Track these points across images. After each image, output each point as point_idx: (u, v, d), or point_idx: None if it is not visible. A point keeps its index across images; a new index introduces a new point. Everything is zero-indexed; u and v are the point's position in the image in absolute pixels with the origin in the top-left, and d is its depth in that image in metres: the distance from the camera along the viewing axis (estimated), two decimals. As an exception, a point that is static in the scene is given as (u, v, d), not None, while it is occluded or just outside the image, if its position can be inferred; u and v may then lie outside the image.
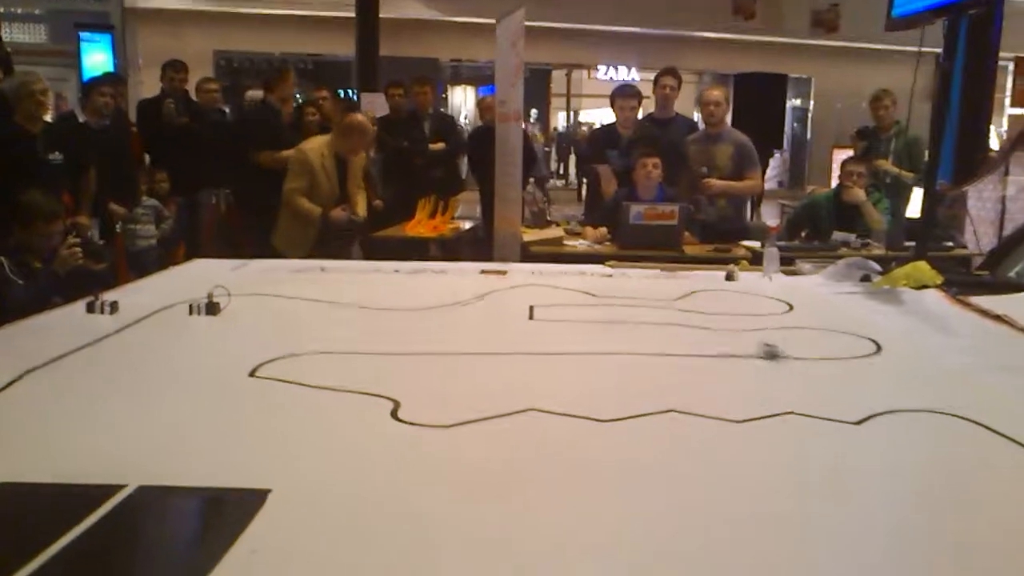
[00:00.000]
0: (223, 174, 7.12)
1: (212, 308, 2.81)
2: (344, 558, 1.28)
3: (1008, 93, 15.26)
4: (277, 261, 4.29)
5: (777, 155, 16.71)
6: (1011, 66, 14.84)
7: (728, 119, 6.09)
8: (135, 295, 3.07)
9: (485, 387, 2.14)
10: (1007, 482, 1.63)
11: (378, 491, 1.53)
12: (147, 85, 9.67)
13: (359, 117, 5.12)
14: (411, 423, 1.86)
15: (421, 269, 3.85)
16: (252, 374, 2.19)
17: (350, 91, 12.14)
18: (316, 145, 5.01)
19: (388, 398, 1.99)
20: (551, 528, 1.38)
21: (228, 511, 1.47)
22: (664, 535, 1.37)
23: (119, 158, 6.37)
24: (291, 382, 2.13)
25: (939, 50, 4.19)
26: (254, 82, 10.47)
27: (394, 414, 1.91)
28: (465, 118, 17.85)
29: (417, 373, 2.29)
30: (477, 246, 5.65)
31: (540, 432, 1.84)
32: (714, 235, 5.24)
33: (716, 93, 5.64)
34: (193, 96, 7.47)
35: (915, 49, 3.99)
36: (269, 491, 1.46)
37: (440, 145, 7.16)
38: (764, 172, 12.65)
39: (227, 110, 8.38)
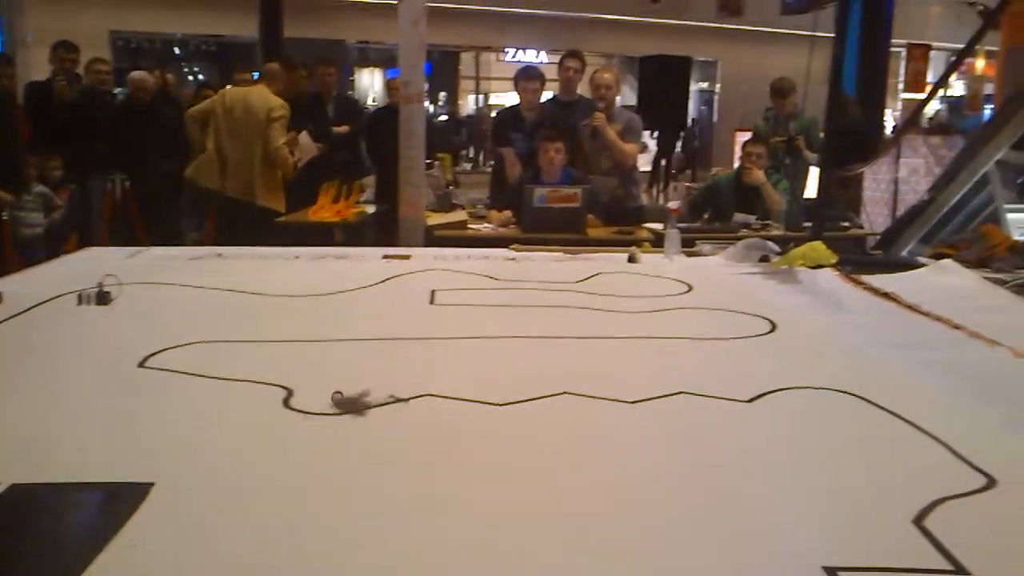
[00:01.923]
0: (118, 158, 6.91)
1: (103, 298, 2.72)
2: (224, 549, 1.25)
3: (901, 79, 15.76)
4: (175, 249, 4.18)
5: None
6: (904, 52, 15.33)
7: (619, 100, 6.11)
8: (21, 285, 2.95)
9: (382, 373, 2.11)
10: (889, 456, 1.68)
11: (265, 481, 1.49)
12: (37, 66, 9.31)
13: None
14: (304, 412, 1.83)
15: (322, 255, 3.79)
16: (141, 365, 2.13)
17: (254, 74, 11.88)
18: None
19: (281, 387, 1.95)
20: (440, 514, 1.37)
21: (108, 506, 1.42)
22: (556, 517, 1.37)
23: (5, 142, 6.13)
24: (181, 372, 2.07)
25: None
26: (152, 64, 10.17)
27: (286, 403, 1.88)
28: (373, 100, 17.66)
29: (312, 361, 2.25)
30: (382, 231, 5.59)
31: (437, 418, 1.83)
32: (616, 217, 5.28)
33: (607, 75, 5.67)
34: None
35: (811, 33, 4.08)
36: (152, 484, 1.42)
37: (344, 128, 7.06)
38: (672, 153, 12.84)
39: (117, 92, 8.13)
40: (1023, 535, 1.35)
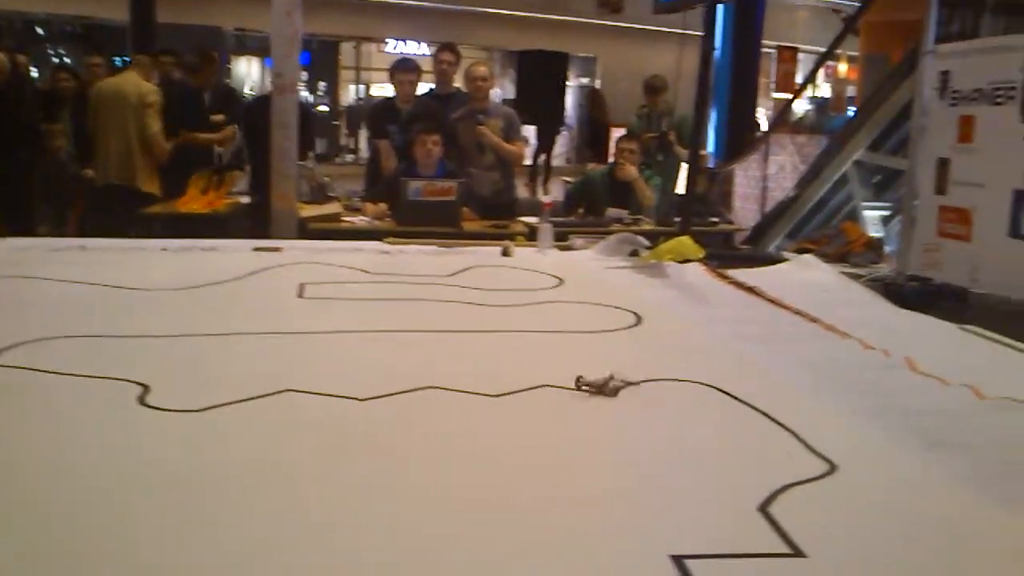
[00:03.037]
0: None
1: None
2: (68, 549, 1.22)
3: (773, 79, 16.29)
4: (33, 240, 4.01)
5: (564, 132, 17.14)
6: (775, 54, 15.85)
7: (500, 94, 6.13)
8: None
9: (243, 369, 2.08)
10: (741, 445, 1.74)
11: (114, 479, 1.45)
12: None
13: None
14: (159, 408, 1.78)
15: (190, 247, 3.68)
16: (-10, 361, 2.04)
17: (126, 59, 11.46)
18: None
19: (138, 383, 1.90)
20: (298, 511, 1.36)
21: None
22: (417, 509, 1.37)
23: None
24: (34, 369, 1.99)
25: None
26: (9, 45, 9.68)
27: (142, 399, 1.82)
28: (251, 90, 17.23)
29: (173, 356, 2.19)
30: (255, 223, 5.46)
31: (296, 412, 1.80)
32: (492, 211, 5.30)
33: (482, 69, 5.68)
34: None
35: (690, 32, 4.17)
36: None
37: (220, 117, 6.87)
38: (552, 148, 12.95)
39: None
40: (859, 518, 1.41)
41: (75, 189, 6.56)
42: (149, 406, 1.79)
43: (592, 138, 15.42)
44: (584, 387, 1.89)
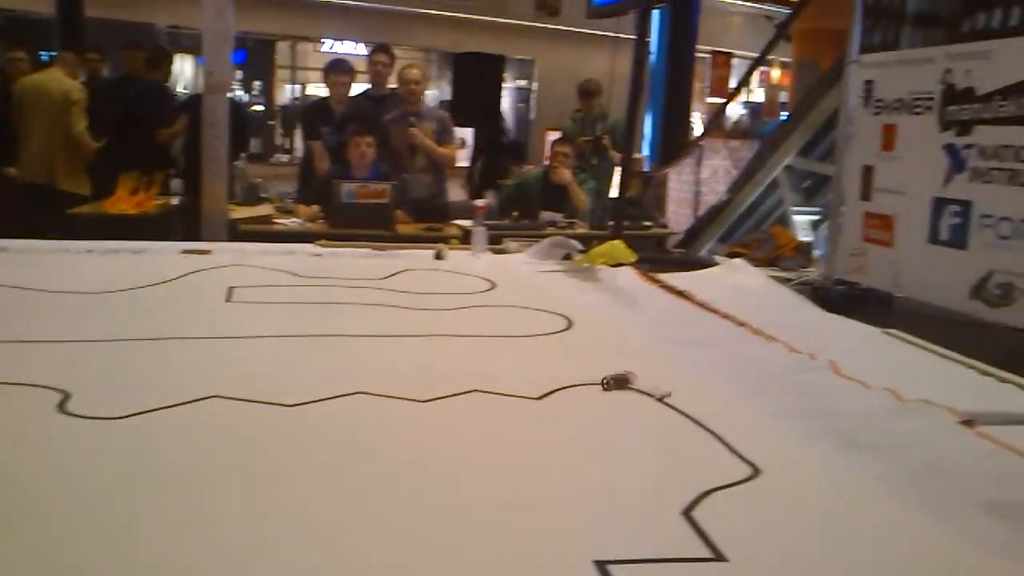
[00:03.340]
0: None
1: None
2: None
3: (708, 83, 16.51)
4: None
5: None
6: (710, 59, 16.06)
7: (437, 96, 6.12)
8: None
9: (168, 375, 2.04)
10: (667, 450, 1.75)
11: (30, 488, 1.42)
12: None
13: None
14: (80, 415, 1.74)
15: (117, 249, 3.60)
16: None
17: (52, 54, 11.18)
18: None
19: (57, 389, 1.85)
20: (211, 522, 1.34)
21: None
22: (344, 516, 1.36)
23: None
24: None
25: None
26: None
27: (62, 406, 1.78)
28: (185, 88, 16.94)
29: (95, 362, 2.14)
30: (186, 224, 5.38)
31: (221, 420, 1.77)
32: (425, 214, 5.29)
33: (415, 71, 5.67)
34: None
35: (624, 36, 4.20)
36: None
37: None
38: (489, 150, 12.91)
39: None
40: (780, 521, 1.44)
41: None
42: (69, 413, 1.75)
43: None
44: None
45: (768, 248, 4.37)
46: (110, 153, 6.04)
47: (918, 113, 3.01)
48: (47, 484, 1.45)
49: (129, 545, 1.26)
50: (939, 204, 2.92)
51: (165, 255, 3.51)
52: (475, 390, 1.97)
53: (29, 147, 5.97)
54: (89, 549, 1.24)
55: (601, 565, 1.23)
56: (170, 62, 6.85)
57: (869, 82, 3.25)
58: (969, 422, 1.83)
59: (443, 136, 5.60)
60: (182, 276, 3.09)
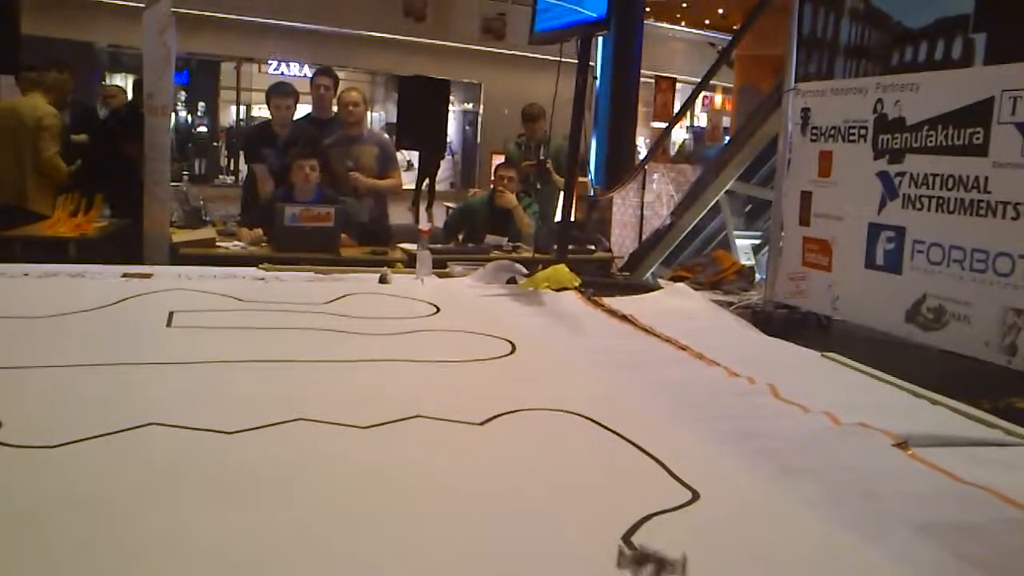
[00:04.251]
0: None
1: None
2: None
3: (651, 108, 16.74)
4: None
5: (448, 157, 17.18)
6: (654, 84, 16.30)
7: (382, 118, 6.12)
8: None
9: (104, 401, 2.00)
10: (607, 475, 1.76)
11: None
12: None
13: None
14: (11, 445, 1.70)
15: (54, 272, 3.54)
16: None
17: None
18: None
19: (-12, 418, 1.81)
20: (151, 552, 1.31)
21: None
22: (284, 546, 1.35)
23: None
24: None
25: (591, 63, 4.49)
26: None
27: (-8, 436, 1.74)
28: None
29: (28, 389, 2.09)
30: (125, 247, 5.30)
31: (159, 447, 1.75)
32: (370, 237, 5.28)
33: (354, 94, 5.67)
34: None
35: (568, 61, 4.25)
36: None
37: (82, 136, 6.65)
38: (436, 174, 12.96)
39: None
40: (720, 545, 1.45)
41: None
42: (1, 443, 1.71)
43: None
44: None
45: (711, 272, 4.42)
46: (87, 174, 6.01)
47: (853, 141, 3.08)
48: None
49: (57, 573, 1.24)
50: (874, 229, 2.99)
51: (104, 279, 3.46)
52: (418, 415, 1.97)
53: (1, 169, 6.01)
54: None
55: (541, 592, 1.23)
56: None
57: (806, 109, 3.32)
58: (903, 444, 1.87)
59: (384, 162, 5.61)
60: (122, 300, 3.05)
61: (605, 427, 1.97)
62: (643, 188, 8.64)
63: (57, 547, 1.32)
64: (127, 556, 1.30)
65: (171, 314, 2.88)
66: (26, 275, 3.45)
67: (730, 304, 3.69)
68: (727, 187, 6.57)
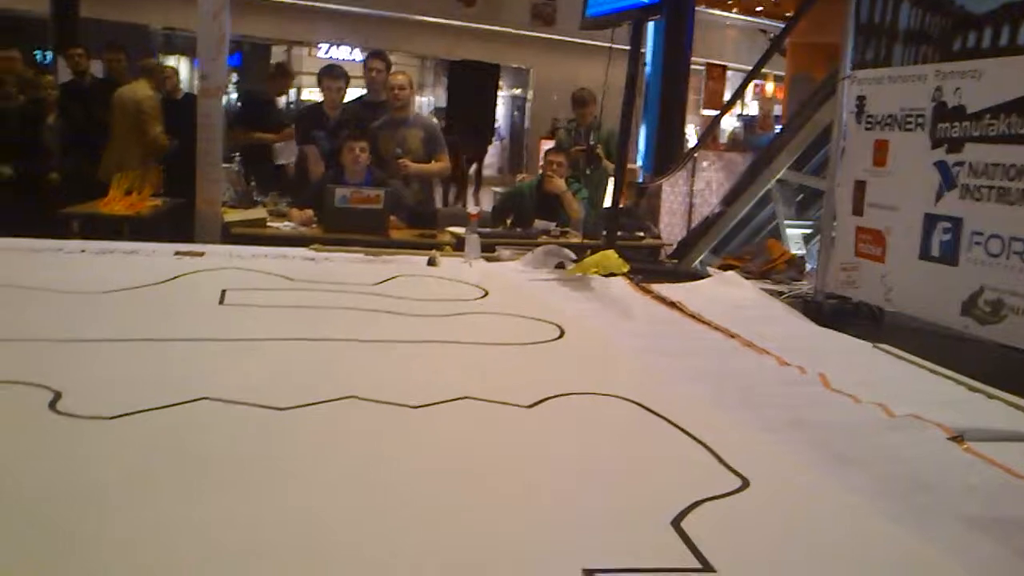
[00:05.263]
0: None
1: None
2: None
3: (702, 95, 16.59)
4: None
5: (497, 142, 17.19)
6: (704, 71, 16.14)
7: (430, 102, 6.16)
8: None
9: (159, 376, 2.03)
10: (657, 460, 1.76)
11: (22, 485, 1.42)
12: None
13: None
14: (71, 415, 1.74)
15: (110, 249, 3.60)
16: None
17: (46, 52, 11.20)
18: None
19: (48, 388, 1.85)
20: (203, 527, 1.33)
21: None
22: (336, 521, 1.37)
23: None
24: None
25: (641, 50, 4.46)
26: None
27: (53, 405, 1.78)
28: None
29: (87, 361, 2.13)
30: (178, 226, 5.38)
31: (210, 422, 1.78)
32: (418, 220, 5.30)
33: (401, 77, 5.67)
34: None
35: (619, 47, 4.22)
36: None
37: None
38: (483, 159, 12.96)
39: None
40: (768, 532, 1.44)
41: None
42: (61, 412, 1.75)
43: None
44: None
45: (761, 261, 4.38)
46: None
47: (910, 129, 3.03)
48: (36, 482, 1.45)
49: (117, 543, 1.26)
50: (930, 220, 2.93)
51: (158, 256, 3.51)
52: (466, 397, 1.97)
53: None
54: (78, 547, 1.24)
55: (589, 574, 1.23)
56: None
57: (861, 97, 3.26)
58: (958, 438, 1.84)
59: (431, 145, 5.62)
60: (175, 278, 3.09)
61: (654, 412, 1.96)
62: (693, 176, 8.57)
63: (112, 517, 1.35)
64: (179, 524, 1.33)
65: (223, 292, 2.92)
66: (83, 251, 3.51)
67: (780, 294, 3.66)
68: (778, 176, 6.50)
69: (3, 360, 2.06)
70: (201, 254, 3.57)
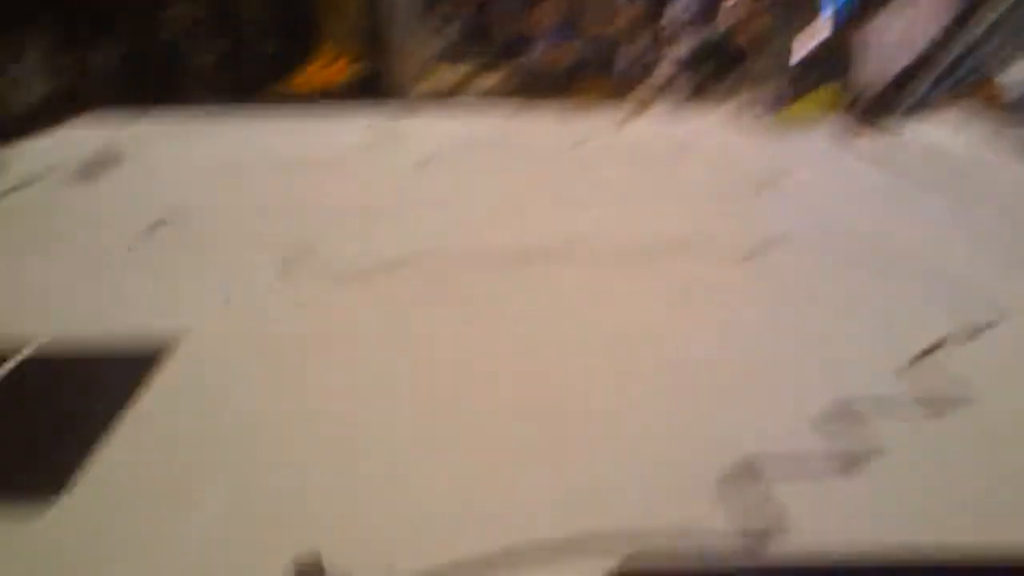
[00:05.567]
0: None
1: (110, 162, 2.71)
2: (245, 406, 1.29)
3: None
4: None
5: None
6: None
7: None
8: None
9: (376, 239, 2.04)
10: (901, 296, 1.64)
11: (269, 343, 1.50)
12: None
13: None
14: (303, 278, 1.80)
15: (312, 117, 3.64)
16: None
17: None
18: None
19: (279, 254, 1.91)
20: (441, 378, 1.39)
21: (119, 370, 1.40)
22: (550, 359, 1.40)
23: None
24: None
25: None
26: None
27: (284, 270, 1.84)
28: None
29: (306, 229, 2.13)
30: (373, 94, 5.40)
31: (437, 279, 1.79)
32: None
33: None
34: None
35: None
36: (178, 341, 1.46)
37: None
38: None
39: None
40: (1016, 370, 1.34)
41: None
42: (291, 276, 1.81)
43: None
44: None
45: (982, 98, 4.00)
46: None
47: None
48: (276, 339, 1.52)
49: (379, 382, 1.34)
50: None
51: (354, 122, 3.52)
52: (677, 252, 1.90)
53: None
54: (332, 395, 1.31)
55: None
56: None
57: None
58: None
59: None
60: (372, 144, 3.10)
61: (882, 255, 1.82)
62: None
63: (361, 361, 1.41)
64: (401, 379, 1.37)
65: (423, 156, 2.89)
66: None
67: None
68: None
69: (232, 228, 2.16)
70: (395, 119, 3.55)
